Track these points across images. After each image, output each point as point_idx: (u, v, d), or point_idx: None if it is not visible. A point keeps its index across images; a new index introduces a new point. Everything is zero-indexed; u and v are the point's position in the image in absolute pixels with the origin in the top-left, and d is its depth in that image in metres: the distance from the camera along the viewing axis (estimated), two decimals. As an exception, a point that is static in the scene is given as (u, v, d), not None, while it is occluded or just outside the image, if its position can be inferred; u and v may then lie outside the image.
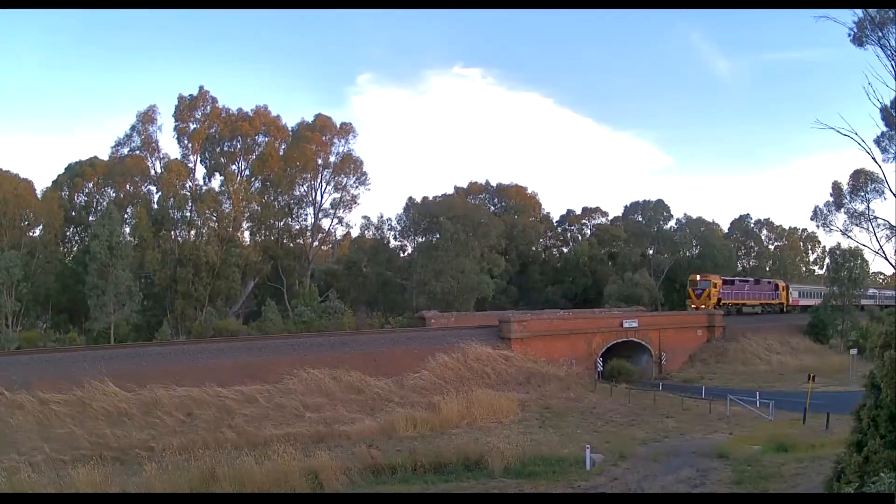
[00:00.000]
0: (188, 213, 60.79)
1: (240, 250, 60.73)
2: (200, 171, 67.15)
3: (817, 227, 62.66)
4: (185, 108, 64.65)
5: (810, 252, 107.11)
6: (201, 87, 65.60)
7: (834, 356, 54.93)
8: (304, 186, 68.28)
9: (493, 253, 70.07)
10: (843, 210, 55.64)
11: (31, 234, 58.29)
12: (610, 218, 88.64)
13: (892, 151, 35.79)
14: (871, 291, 77.59)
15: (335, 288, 63.05)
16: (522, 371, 39.49)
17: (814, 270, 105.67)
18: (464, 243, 63.24)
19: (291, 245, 69.10)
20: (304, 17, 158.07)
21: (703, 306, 60.35)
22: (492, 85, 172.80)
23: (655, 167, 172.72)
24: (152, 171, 65.32)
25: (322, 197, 68.73)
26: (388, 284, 66.17)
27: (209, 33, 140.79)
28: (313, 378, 32.39)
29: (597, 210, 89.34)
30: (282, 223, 68.61)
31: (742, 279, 70.85)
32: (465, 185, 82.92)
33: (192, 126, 65.16)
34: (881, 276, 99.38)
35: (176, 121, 64.92)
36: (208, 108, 65.76)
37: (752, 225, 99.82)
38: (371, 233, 71.44)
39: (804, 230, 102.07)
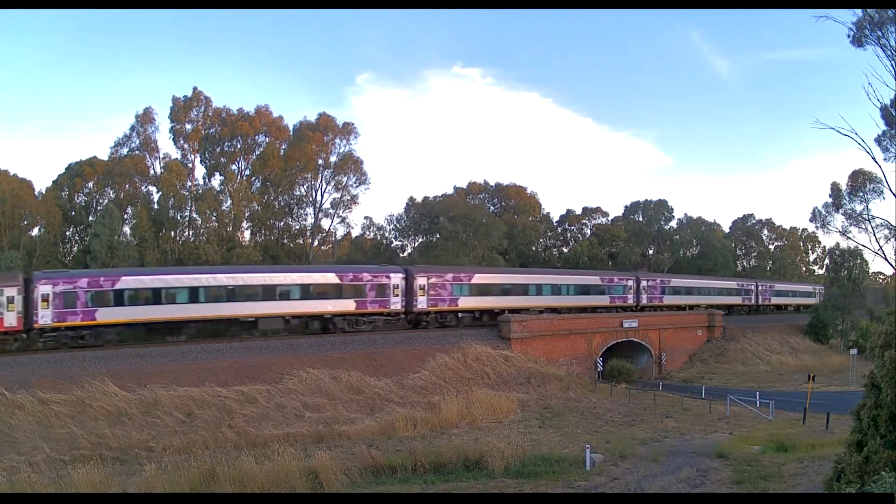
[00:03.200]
0: (188, 213, 60.85)
1: (240, 250, 60.75)
2: (200, 171, 67.40)
3: (816, 228, 62.83)
4: (181, 108, 64.74)
5: (810, 252, 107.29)
6: (195, 88, 66.03)
7: (834, 356, 55.05)
8: (305, 186, 68.35)
9: (494, 253, 70.03)
10: (841, 211, 55.75)
11: (30, 233, 58.33)
12: (610, 218, 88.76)
13: (893, 151, 35.74)
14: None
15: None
16: (522, 371, 39.49)
17: (814, 270, 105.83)
18: (464, 243, 63.18)
19: (291, 245, 69.12)
20: (303, 17, 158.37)
21: None
22: (491, 85, 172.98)
23: (655, 167, 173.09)
24: (152, 171, 65.42)
25: (322, 197, 68.84)
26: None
27: (209, 34, 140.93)
28: (313, 378, 32.38)
29: (597, 210, 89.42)
30: (282, 223, 68.69)
31: None
32: (464, 185, 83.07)
33: (189, 127, 65.25)
34: (881, 276, 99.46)
35: (172, 122, 65.02)
36: (203, 108, 65.92)
37: (755, 225, 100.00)
38: (372, 233, 71.38)
39: (804, 230, 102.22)
